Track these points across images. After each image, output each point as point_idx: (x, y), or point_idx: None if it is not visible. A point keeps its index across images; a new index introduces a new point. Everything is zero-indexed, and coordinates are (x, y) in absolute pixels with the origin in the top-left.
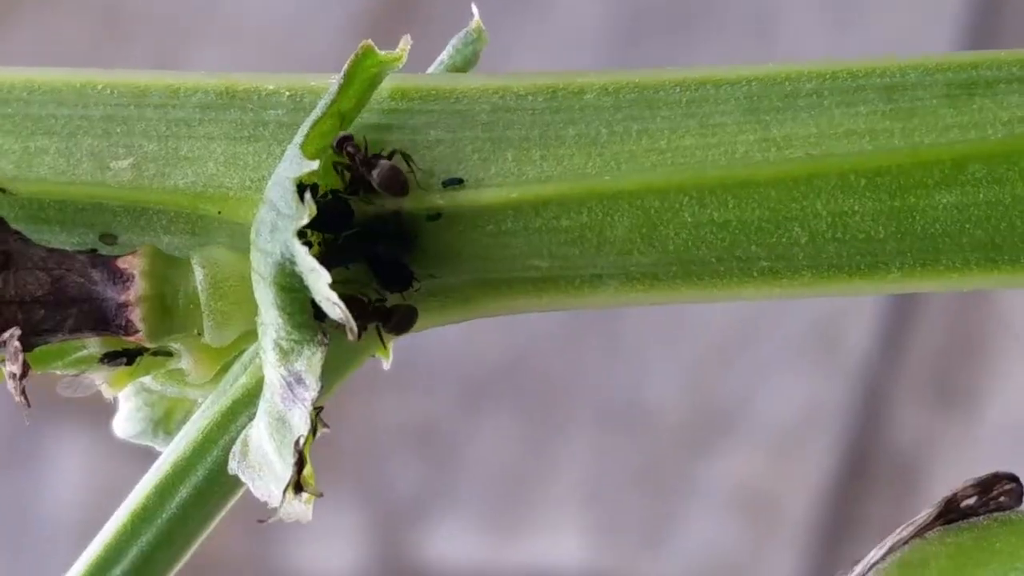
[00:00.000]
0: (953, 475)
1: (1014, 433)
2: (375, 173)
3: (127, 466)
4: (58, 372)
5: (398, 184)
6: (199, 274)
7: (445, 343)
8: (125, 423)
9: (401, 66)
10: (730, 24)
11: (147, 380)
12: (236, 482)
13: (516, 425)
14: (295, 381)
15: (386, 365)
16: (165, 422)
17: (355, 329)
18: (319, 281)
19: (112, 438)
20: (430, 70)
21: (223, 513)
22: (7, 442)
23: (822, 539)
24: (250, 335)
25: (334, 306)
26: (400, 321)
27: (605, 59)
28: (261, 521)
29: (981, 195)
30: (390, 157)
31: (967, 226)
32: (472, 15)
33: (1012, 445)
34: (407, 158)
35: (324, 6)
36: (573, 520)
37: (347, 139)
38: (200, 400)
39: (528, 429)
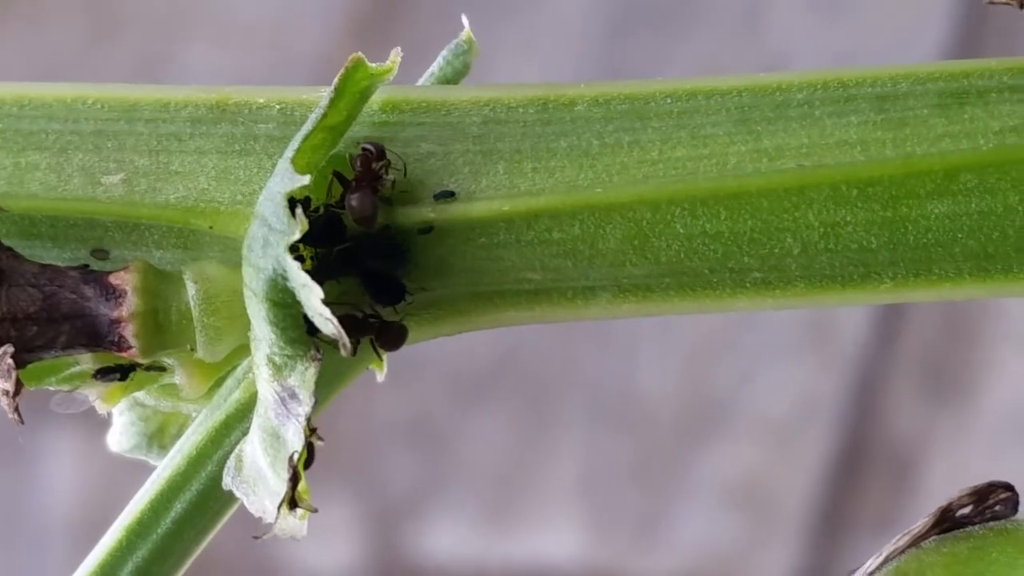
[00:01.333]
0: (948, 466)
1: (1009, 423)
2: (353, 198)
3: (120, 462)
4: (51, 388)
5: (367, 219)
6: (191, 289)
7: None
8: (119, 437)
9: (392, 78)
10: (719, 17)
11: (140, 395)
12: (231, 497)
13: (510, 419)
14: (289, 396)
15: (380, 377)
16: (159, 436)
17: (348, 345)
18: (312, 296)
19: (105, 434)
20: (421, 81)
21: (219, 527)
22: (0, 439)
23: (818, 530)
24: (243, 349)
25: (327, 321)
26: (391, 338)
27: (594, 53)
28: (256, 537)
29: (973, 205)
30: (380, 176)
31: (959, 236)
32: (460, 19)
33: (1007, 435)
34: (392, 181)
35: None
36: (568, 513)
37: (378, 152)
38: (194, 414)
39: (522, 423)
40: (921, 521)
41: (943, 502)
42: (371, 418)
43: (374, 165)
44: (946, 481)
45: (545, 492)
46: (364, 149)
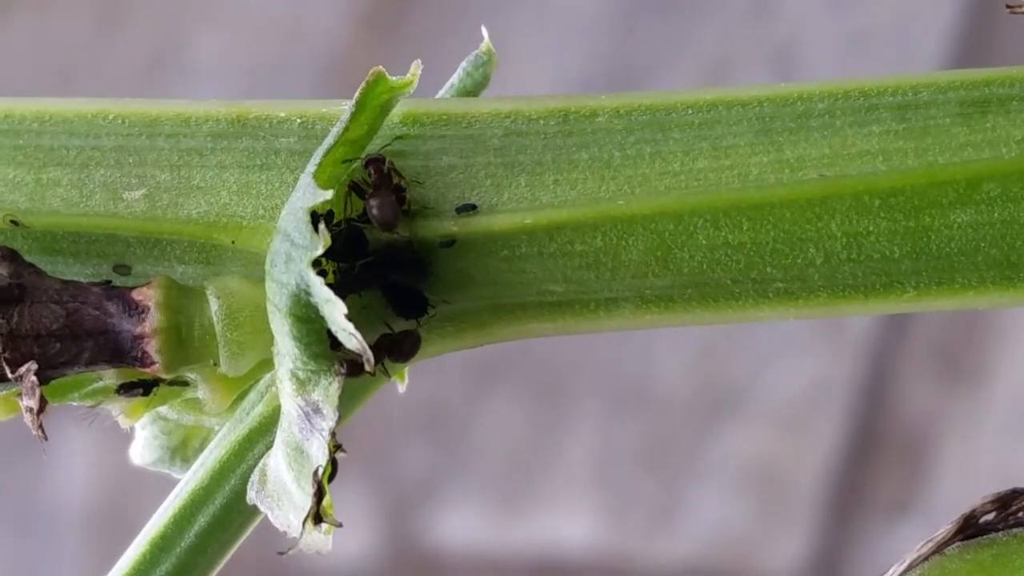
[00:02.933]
0: (961, 450)
1: (1021, 408)
2: (373, 203)
3: None
4: (75, 403)
5: (389, 223)
6: (214, 304)
7: None
8: (142, 451)
9: (412, 91)
10: (729, 5)
11: (163, 409)
12: (254, 511)
13: (524, 406)
14: (312, 411)
15: (401, 388)
16: (182, 450)
17: (372, 360)
18: (335, 312)
19: (120, 428)
20: (440, 93)
21: (241, 541)
22: (16, 430)
23: (830, 516)
24: (266, 364)
25: (351, 336)
26: (408, 349)
27: (606, 41)
28: (281, 553)
29: (996, 214)
30: (399, 188)
31: (982, 245)
32: (471, 5)
33: (1020, 420)
34: (403, 189)
35: None
36: (582, 500)
37: (378, 160)
38: (217, 428)
39: (536, 410)
40: (944, 528)
41: (966, 509)
42: (385, 406)
43: (385, 169)
44: (959, 466)
45: (559, 478)
46: (371, 159)
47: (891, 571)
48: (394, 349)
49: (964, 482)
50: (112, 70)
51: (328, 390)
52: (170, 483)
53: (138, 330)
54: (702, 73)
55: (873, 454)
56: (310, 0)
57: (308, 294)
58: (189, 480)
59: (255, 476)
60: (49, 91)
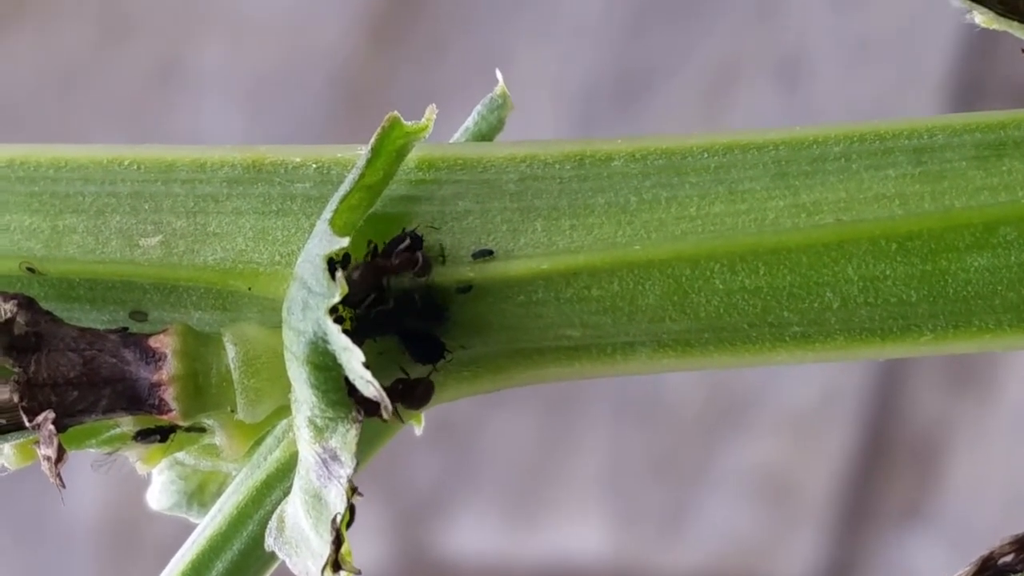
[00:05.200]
0: (971, 458)
1: None
2: (356, 272)
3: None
4: (92, 450)
5: (355, 293)
6: (231, 351)
7: None
8: (159, 496)
9: (427, 136)
10: (734, 11)
11: (180, 454)
12: (272, 557)
13: (534, 415)
14: (330, 458)
15: (418, 431)
16: (199, 495)
17: (390, 408)
18: (353, 360)
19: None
20: (455, 137)
21: None
22: None
23: (841, 522)
24: (283, 410)
25: (368, 384)
26: (420, 397)
27: (611, 46)
28: None
29: (1013, 257)
30: (395, 267)
31: (999, 288)
32: (476, 17)
33: None
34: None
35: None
36: (593, 509)
37: (412, 244)
38: (234, 473)
39: (546, 419)
40: (963, 569)
41: (984, 551)
42: None
43: (399, 249)
44: (970, 474)
45: (570, 488)
46: (406, 236)
47: None
48: (406, 396)
49: (975, 490)
50: (116, 81)
51: (346, 437)
52: None
53: (155, 378)
54: (707, 79)
55: (884, 462)
56: (315, 11)
57: (326, 342)
58: (207, 526)
59: (273, 523)
60: (53, 101)
